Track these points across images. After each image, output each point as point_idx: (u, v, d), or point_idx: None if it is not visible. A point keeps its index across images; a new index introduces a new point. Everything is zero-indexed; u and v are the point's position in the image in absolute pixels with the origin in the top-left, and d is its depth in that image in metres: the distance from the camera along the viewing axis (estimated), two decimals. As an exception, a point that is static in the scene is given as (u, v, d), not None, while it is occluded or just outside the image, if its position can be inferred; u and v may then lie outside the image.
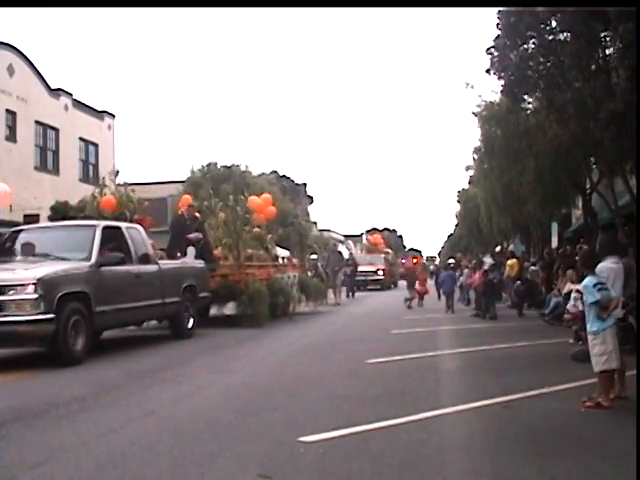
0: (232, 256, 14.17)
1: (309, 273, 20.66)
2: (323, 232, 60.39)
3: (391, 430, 4.97)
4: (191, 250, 12.69)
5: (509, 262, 18.89)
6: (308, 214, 40.29)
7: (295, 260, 19.48)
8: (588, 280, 5.83)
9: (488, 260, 22.04)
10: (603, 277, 5.96)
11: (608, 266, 6.25)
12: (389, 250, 45.15)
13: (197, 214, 14.43)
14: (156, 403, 6.05)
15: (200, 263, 12.52)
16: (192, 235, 13.31)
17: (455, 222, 54.16)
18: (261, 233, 16.22)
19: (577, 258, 6.77)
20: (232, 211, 14.68)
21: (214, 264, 13.46)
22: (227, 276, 13.63)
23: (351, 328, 13.64)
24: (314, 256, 22.08)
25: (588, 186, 18.66)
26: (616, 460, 4.22)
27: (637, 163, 11.97)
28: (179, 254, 12.82)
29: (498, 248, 30.06)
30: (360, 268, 30.55)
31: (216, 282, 13.22)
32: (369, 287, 32.73)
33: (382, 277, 34.59)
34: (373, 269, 34.15)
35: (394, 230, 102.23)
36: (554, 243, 26.47)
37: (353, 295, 26.23)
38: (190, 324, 11.42)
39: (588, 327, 5.82)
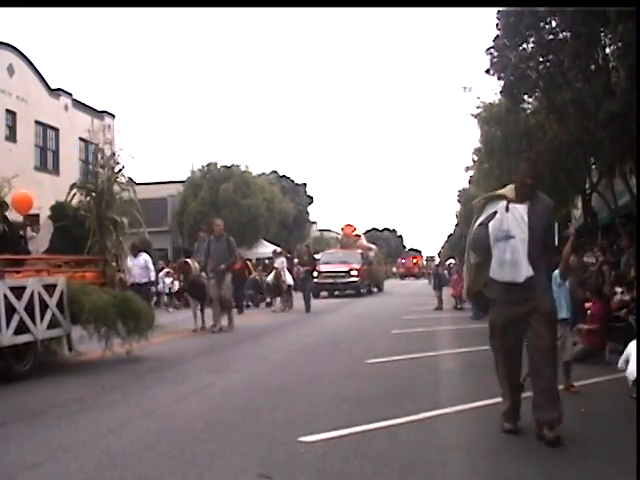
0: None
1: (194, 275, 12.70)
2: (323, 232, 60.58)
3: (391, 430, 4.97)
4: None
5: None
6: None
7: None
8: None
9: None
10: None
11: None
12: (371, 245, 36.53)
13: None
14: (156, 403, 6.06)
15: None
16: None
17: (455, 222, 54.17)
18: None
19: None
20: None
21: None
22: None
23: (351, 328, 13.63)
24: None
25: (588, 186, 18.66)
26: (616, 460, 4.22)
27: (637, 163, 11.97)
28: None
29: None
30: (328, 268, 26.54)
31: None
32: (348, 291, 27.14)
33: (356, 279, 27.21)
34: (345, 269, 27.13)
35: (394, 230, 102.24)
36: (554, 243, 26.41)
37: (290, 305, 19.13)
38: None
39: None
